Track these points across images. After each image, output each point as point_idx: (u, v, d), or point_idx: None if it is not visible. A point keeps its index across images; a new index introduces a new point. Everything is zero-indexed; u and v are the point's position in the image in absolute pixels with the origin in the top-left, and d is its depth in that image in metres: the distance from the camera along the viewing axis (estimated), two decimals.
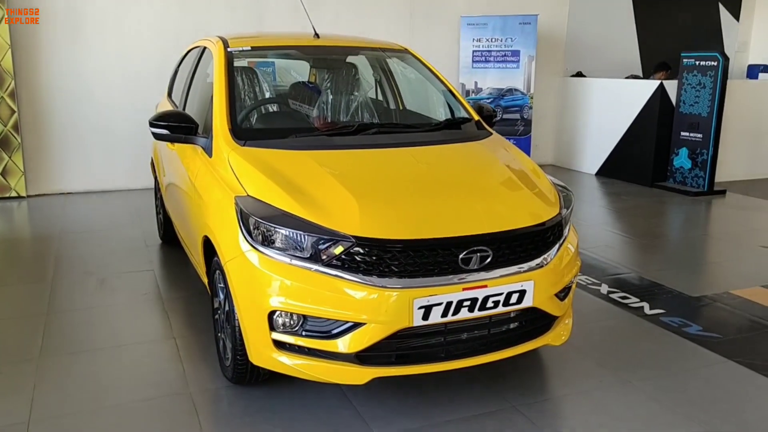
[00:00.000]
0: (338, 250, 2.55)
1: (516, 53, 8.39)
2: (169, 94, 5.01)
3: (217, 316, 3.23)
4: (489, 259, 2.66)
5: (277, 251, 2.64)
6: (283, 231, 2.63)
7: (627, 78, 8.94)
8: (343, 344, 2.58)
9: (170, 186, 4.32)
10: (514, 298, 2.71)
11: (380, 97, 4.50)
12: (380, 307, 2.53)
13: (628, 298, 4.30)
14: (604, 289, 4.46)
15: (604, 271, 4.84)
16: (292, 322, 2.64)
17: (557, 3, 9.26)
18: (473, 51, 8.42)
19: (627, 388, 3.14)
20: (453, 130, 3.63)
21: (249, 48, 3.83)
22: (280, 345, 2.69)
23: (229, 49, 3.74)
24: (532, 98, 8.54)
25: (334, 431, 2.76)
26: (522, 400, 3.00)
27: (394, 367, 2.65)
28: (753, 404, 3.06)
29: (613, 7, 9.75)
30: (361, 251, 2.54)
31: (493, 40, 8.42)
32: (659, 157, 8.12)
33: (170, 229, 5.11)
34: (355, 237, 2.53)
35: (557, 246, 2.91)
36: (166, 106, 4.84)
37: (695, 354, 3.53)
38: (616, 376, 3.25)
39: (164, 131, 3.43)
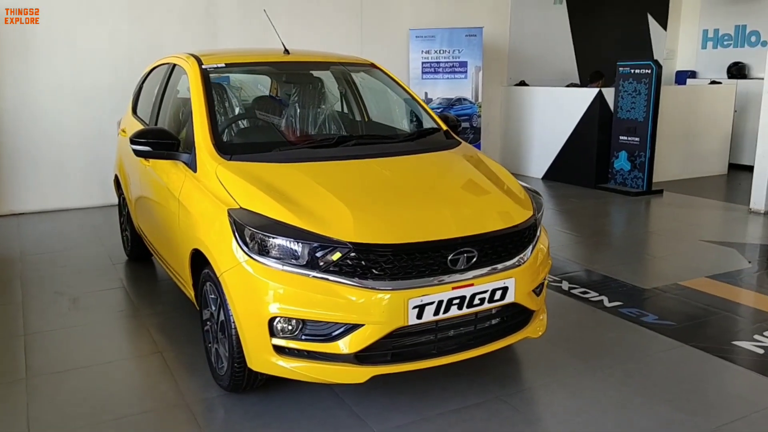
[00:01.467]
0: (336, 256, 2.70)
1: (464, 64, 8.70)
2: (134, 111, 5.03)
3: (207, 327, 3.32)
4: (474, 260, 2.86)
5: (274, 260, 2.77)
6: (280, 240, 2.76)
7: (567, 86, 9.39)
8: (342, 345, 2.72)
9: (143, 202, 4.36)
10: (497, 294, 2.91)
11: (347, 110, 4.66)
12: (377, 309, 2.69)
13: (587, 293, 4.58)
14: (565, 285, 4.74)
15: (562, 269, 5.13)
16: (291, 327, 2.77)
17: (498, 16, 9.65)
18: (422, 62, 8.69)
19: (598, 375, 3.39)
20: (425, 139, 3.82)
21: (223, 65, 3.93)
22: (279, 350, 2.81)
23: (203, 66, 3.84)
24: (480, 107, 8.86)
25: (335, 431, 2.89)
26: (504, 391, 3.21)
27: (391, 365, 2.81)
28: (711, 383, 3.36)
29: (550, 20, 10.22)
30: (358, 256, 2.70)
31: (441, 51, 8.71)
32: (601, 161, 8.57)
33: (139, 246, 5.13)
34: (352, 243, 2.68)
35: (532, 245, 3.14)
36: (134, 124, 4.86)
37: (654, 340, 3.82)
38: (586, 364, 3.50)
39: (146, 148, 3.50)
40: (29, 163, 7.14)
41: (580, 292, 4.59)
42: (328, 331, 2.75)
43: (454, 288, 2.79)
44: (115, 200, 7.33)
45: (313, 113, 4.16)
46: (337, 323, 2.73)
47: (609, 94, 8.43)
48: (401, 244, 2.72)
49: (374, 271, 2.71)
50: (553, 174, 9.13)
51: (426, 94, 8.88)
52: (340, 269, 2.71)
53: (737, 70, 10.62)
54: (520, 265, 3.02)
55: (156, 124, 4.30)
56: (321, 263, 2.72)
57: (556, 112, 8.97)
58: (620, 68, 8.31)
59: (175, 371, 3.45)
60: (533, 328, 3.18)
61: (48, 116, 7.12)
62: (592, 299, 4.46)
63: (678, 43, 11.75)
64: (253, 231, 2.81)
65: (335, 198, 2.93)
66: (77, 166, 7.34)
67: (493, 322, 3.03)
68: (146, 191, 4.18)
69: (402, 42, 8.87)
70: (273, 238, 2.77)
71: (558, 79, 10.32)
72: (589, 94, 8.54)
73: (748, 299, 4.50)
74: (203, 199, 3.19)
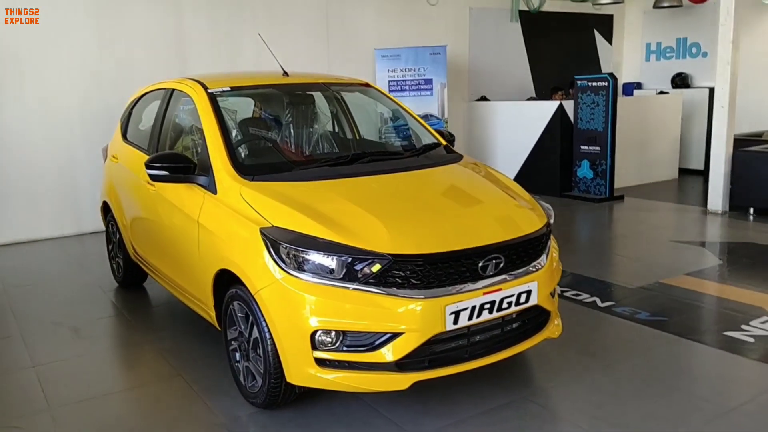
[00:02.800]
0: (376, 268, 2.80)
1: (429, 81, 8.93)
2: (124, 137, 5.01)
3: (234, 346, 3.36)
4: (502, 265, 3.01)
5: (313, 275, 2.86)
6: (318, 255, 2.85)
7: (528, 100, 9.75)
8: (384, 354, 2.83)
9: (145, 226, 4.36)
10: (522, 298, 3.08)
11: (343, 128, 4.78)
12: (417, 316, 2.81)
13: (579, 294, 4.81)
14: (558, 289, 4.94)
15: None
16: (331, 340, 2.86)
17: (458, 35, 9.96)
18: (389, 81, 8.88)
19: (609, 371, 3.58)
20: (429, 153, 3.98)
21: (228, 88, 4.00)
22: (320, 362, 2.89)
23: (209, 91, 3.90)
24: (446, 122, 9.10)
25: None
26: (528, 391, 3.37)
27: (429, 371, 2.92)
28: (713, 371, 3.61)
29: (506, 37, 10.58)
30: (397, 267, 2.81)
31: (407, 70, 8.93)
32: (564, 170, 8.93)
33: (132, 272, 5.10)
34: (391, 255, 2.80)
35: (547, 250, 3.32)
36: (126, 150, 4.85)
37: (652, 336, 4.06)
38: (596, 361, 3.70)
39: (163, 172, 3.54)
40: None
41: (573, 295, 4.81)
42: (369, 341, 2.85)
43: (485, 293, 2.94)
44: (91, 228, 7.34)
45: (320, 132, 4.28)
46: (377, 333, 2.83)
47: (569, 106, 8.80)
48: (438, 253, 2.86)
49: (412, 280, 2.83)
50: (519, 184, 9.40)
51: (392, 113, 9.04)
52: (379, 280, 2.82)
53: (681, 81, 11.22)
54: (540, 268, 3.19)
55: (157, 149, 4.31)
56: (360, 275, 2.82)
57: (519, 124, 9.29)
58: (578, 82, 8.70)
59: (201, 392, 3.47)
60: (552, 329, 3.35)
61: (16, 144, 6.95)
62: (585, 300, 4.68)
63: (623, 57, 12.33)
64: (290, 247, 2.89)
65: (365, 212, 3.04)
66: (47, 195, 7.19)
67: (517, 325, 3.18)
68: (152, 215, 4.19)
69: (368, 61, 9.05)
70: (310, 253, 2.86)
71: (515, 93, 10.69)
72: (551, 106, 8.90)
73: (728, 293, 4.80)
74: (229, 220, 3.25)
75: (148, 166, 3.56)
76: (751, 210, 7.48)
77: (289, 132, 4.13)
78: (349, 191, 3.27)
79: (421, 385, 3.23)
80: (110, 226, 5.31)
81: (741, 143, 7.82)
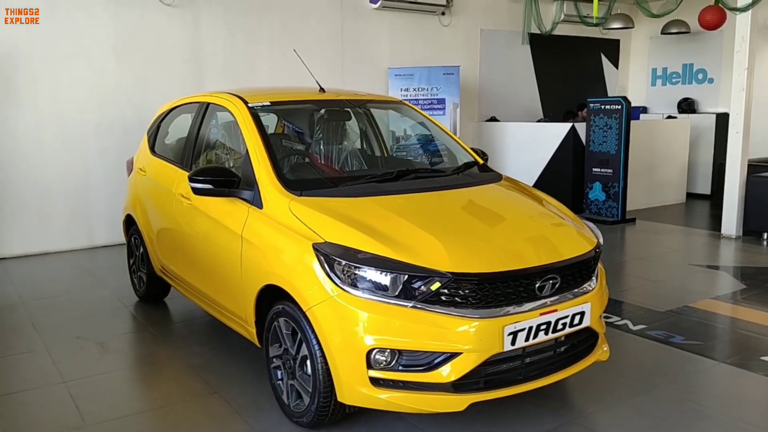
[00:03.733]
0: (435, 286, 2.77)
1: (441, 101, 8.96)
2: (152, 150, 4.97)
3: (277, 364, 3.30)
4: (557, 286, 2.99)
5: (370, 292, 2.81)
6: (375, 272, 2.81)
7: (538, 121, 9.79)
8: (441, 374, 2.78)
9: (178, 240, 4.29)
10: (576, 319, 3.04)
11: (382, 144, 4.78)
12: (475, 336, 2.76)
13: (609, 317, 4.77)
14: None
15: None
16: (387, 359, 2.81)
17: (469, 56, 10.02)
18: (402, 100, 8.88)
19: (653, 395, 3.55)
20: (470, 172, 3.96)
21: (268, 103, 3.97)
22: (374, 381, 2.83)
23: (250, 105, 3.87)
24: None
25: None
26: (575, 414, 3.32)
27: (484, 392, 2.87)
28: (757, 396, 3.57)
29: (515, 59, 10.67)
30: (457, 285, 2.78)
31: (420, 89, 8.95)
32: (576, 191, 8.94)
33: (156, 287, 5.03)
34: (452, 273, 2.76)
35: (596, 272, 3.30)
36: (156, 163, 4.80)
37: (690, 360, 4.03)
38: (639, 385, 3.66)
39: (207, 186, 3.49)
40: (12, 206, 6.87)
41: (603, 317, 4.77)
42: (426, 361, 2.80)
43: (541, 314, 2.91)
44: (103, 241, 7.26)
45: (359, 148, 4.27)
46: (435, 352, 2.78)
47: (581, 128, 8.84)
48: (497, 273, 2.82)
49: (471, 299, 2.79)
50: None
51: (405, 130, 9.06)
52: (437, 299, 2.78)
53: (687, 106, 11.33)
54: (592, 290, 3.17)
55: (191, 163, 4.27)
56: (417, 293, 2.78)
57: (530, 146, 9.32)
58: (591, 104, 8.75)
59: (241, 411, 3.40)
60: (602, 352, 3.31)
61: (31, 157, 6.89)
62: (616, 323, 4.65)
63: (628, 81, 12.44)
64: (347, 264, 2.85)
65: (420, 229, 3.01)
66: (61, 207, 7.11)
67: (568, 347, 3.15)
68: (186, 229, 4.13)
69: (381, 80, 9.07)
70: (368, 270, 2.82)
71: (524, 114, 10.75)
72: (563, 128, 8.94)
73: (758, 318, 4.78)
74: (278, 235, 3.20)
75: (192, 180, 3.52)
76: (765, 235, 7.50)
77: (329, 148, 4.11)
78: (400, 208, 3.24)
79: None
80: (133, 239, 5.24)
81: (752, 169, 7.88)
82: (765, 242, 7.40)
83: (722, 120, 10.68)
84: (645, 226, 8.43)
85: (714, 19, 9.11)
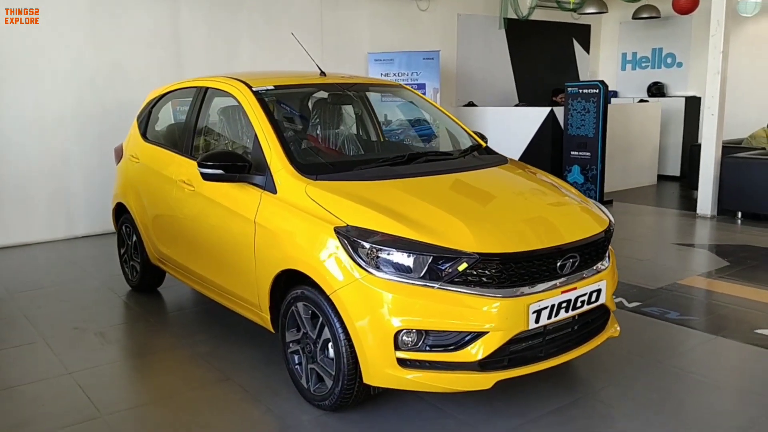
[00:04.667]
0: (462, 266, 2.79)
1: (422, 86, 8.97)
2: (144, 136, 4.87)
3: (295, 348, 3.29)
4: (577, 264, 3.05)
5: (396, 274, 2.83)
6: (401, 254, 2.82)
7: (516, 106, 9.89)
8: (469, 353, 2.81)
9: (179, 227, 4.22)
10: (593, 296, 3.11)
11: (375, 128, 4.78)
12: (502, 315, 2.81)
13: None
14: None
15: None
16: (415, 339, 2.83)
17: (446, 41, 10.04)
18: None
19: (659, 368, 3.65)
20: (477, 154, 3.99)
21: (272, 87, 3.93)
22: (401, 362, 2.85)
23: (255, 89, 3.83)
24: (438, 126, 9.14)
25: None
26: (590, 389, 3.41)
27: (509, 370, 2.92)
28: (757, 368, 3.70)
29: (492, 45, 10.75)
30: (483, 265, 2.81)
31: (400, 74, 8.95)
32: (555, 174, 9.02)
33: (150, 276, 4.96)
34: (478, 254, 2.79)
35: (608, 251, 3.37)
36: (150, 150, 4.71)
37: (688, 334, 4.16)
38: (644, 360, 3.76)
39: (217, 171, 3.44)
40: None
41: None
42: (453, 341, 2.83)
43: (563, 292, 2.96)
44: (83, 231, 7.10)
45: (365, 131, 4.26)
46: (462, 332, 2.82)
47: (559, 112, 8.97)
48: (522, 252, 2.87)
49: (497, 278, 2.83)
50: None
51: (386, 116, 9.06)
52: (463, 279, 2.81)
53: (657, 90, 11.57)
54: (606, 268, 3.24)
55: (191, 149, 4.21)
56: (443, 274, 2.81)
57: (509, 130, 9.40)
58: (569, 89, 8.86)
59: (259, 396, 3.39)
60: (613, 328, 3.40)
61: (9, 146, 6.68)
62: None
63: (599, 65, 12.64)
64: (371, 246, 2.85)
65: (442, 211, 3.03)
66: (40, 197, 6.92)
67: (584, 323, 3.21)
68: (188, 216, 4.06)
69: (361, 65, 9.04)
70: (394, 252, 2.83)
71: (500, 99, 10.85)
72: (542, 112, 9.05)
73: (745, 293, 4.95)
74: (296, 219, 3.18)
75: (201, 165, 3.47)
76: (739, 214, 7.75)
77: (334, 132, 4.09)
78: (417, 190, 3.25)
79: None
80: (124, 228, 5.14)
81: (724, 150, 8.10)
82: (739, 221, 7.64)
83: (692, 103, 10.98)
84: (623, 207, 8.62)
85: (688, 3, 9.30)
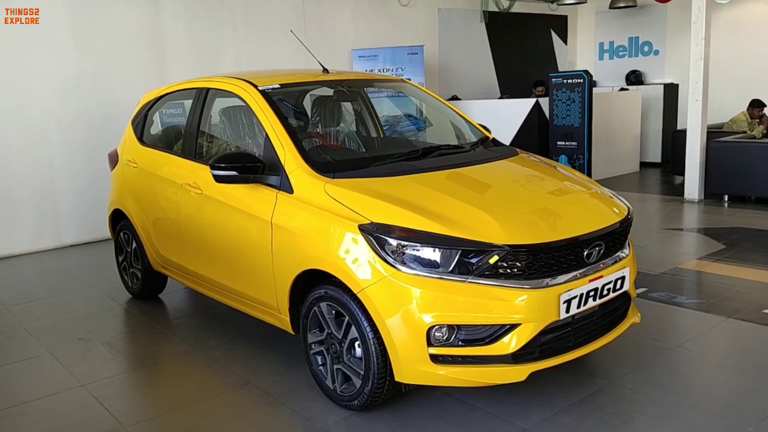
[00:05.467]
0: (493, 259, 2.77)
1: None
2: (141, 140, 4.76)
3: (319, 350, 3.25)
4: (602, 252, 3.05)
5: (425, 269, 2.80)
6: (430, 249, 2.80)
7: (501, 98, 9.92)
8: (501, 346, 2.80)
9: (186, 232, 4.13)
10: (618, 284, 3.12)
11: (370, 124, 4.74)
12: (534, 306, 2.80)
13: None
14: None
15: None
16: (446, 335, 2.81)
17: (428, 36, 10.03)
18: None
19: (678, 352, 3.69)
20: (487, 147, 3.97)
21: (278, 86, 3.87)
22: (433, 358, 2.83)
23: (261, 89, 3.76)
24: (425, 122, 9.13)
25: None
26: (613, 376, 3.42)
27: (541, 361, 2.91)
28: None
29: (472, 38, 10.76)
30: (513, 258, 2.79)
31: (385, 70, 8.91)
32: None
33: (152, 283, 4.86)
34: (509, 245, 2.78)
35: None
36: (148, 154, 4.61)
37: (699, 317, 4.20)
38: (662, 345, 3.79)
39: (231, 173, 3.38)
40: None
41: None
42: (485, 334, 2.81)
43: (590, 281, 2.97)
44: (72, 240, 6.94)
45: (366, 128, 4.22)
46: (494, 325, 2.80)
47: (545, 103, 9.02)
48: (551, 242, 2.86)
49: (528, 270, 2.82)
50: None
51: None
52: (493, 272, 2.80)
53: (635, 78, 11.70)
54: (627, 255, 3.26)
55: (195, 152, 4.13)
56: (473, 268, 2.79)
57: (495, 122, 9.32)
58: (553, 79, 8.92)
59: (283, 399, 3.34)
60: (635, 315, 3.41)
61: None
62: None
63: (577, 56, 12.75)
64: (400, 243, 2.82)
65: (466, 204, 3.01)
66: (26, 206, 6.74)
67: (609, 311, 3.22)
68: (196, 219, 3.99)
69: (345, 62, 8.98)
70: (422, 248, 2.80)
71: (482, 92, 10.88)
72: (527, 104, 9.09)
73: (746, 274, 5.03)
74: (316, 219, 3.13)
75: (214, 167, 3.40)
76: (726, 197, 7.88)
77: (342, 129, 4.05)
78: (438, 184, 3.23)
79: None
80: (122, 235, 5.03)
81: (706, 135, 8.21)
82: (726, 204, 7.77)
83: (670, 90, 11.12)
84: None
85: None
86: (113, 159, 5.12)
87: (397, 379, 2.91)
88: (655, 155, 11.13)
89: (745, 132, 8.74)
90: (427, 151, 3.63)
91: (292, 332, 3.46)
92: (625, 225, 3.23)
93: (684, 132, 8.76)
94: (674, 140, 9.39)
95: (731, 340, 3.85)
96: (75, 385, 3.61)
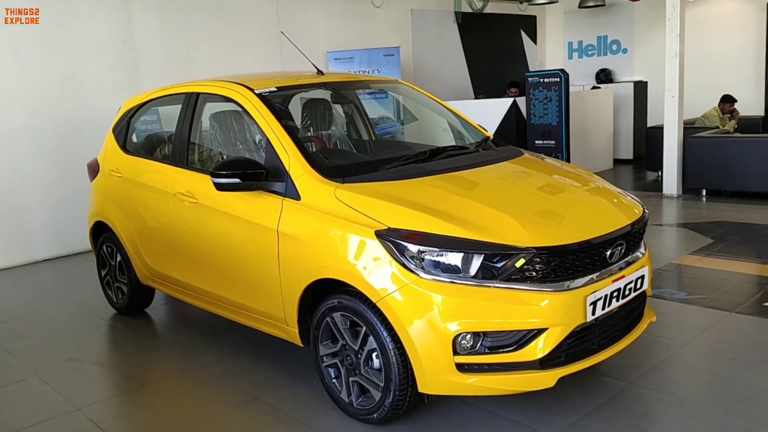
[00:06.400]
0: (519, 263, 2.68)
1: None
2: (124, 149, 4.55)
3: (332, 362, 3.11)
4: (622, 252, 2.99)
5: (448, 275, 2.70)
6: (454, 254, 2.69)
7: (477, 98, 9.90)
8: (530, 352, 2.71)
9: (180, 243, 3.95)
10: (638, 283, 3.07)
11: (361, 126, 4.63)
12: (561, 309, 2.72)
13: None
14: None
15: None
16: (472, 342, 2.71)
17: (402, 37, 9.95)
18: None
19: (690, 349, 3.66)
20: (492, 147, 3.89)
21: (275, 89, 3.72)
22: (459, 367, 2.73)
23: (258, 92, 3.62)
24: (403, 124, 9.05)
25: None
26: (629, 377, 3.36)
27: (568, 366, 2.82)
28: None
29: (445, 39, 10.73)
30: (539, 260, 2.71)
31: (361, 71, 8.80)
32: None
33: (139, 297, 4.66)
34: (535, 248, 2.69)
35: None
36: (133, 163, 4.40)
37: (703, 313, 4.19)
38: (673, 343, 3.75)
39: (234, 180, 3.22)
40: None
41: None
42: (513, 340, 2.72)
43: (614, 281, 2.90)
44: (44, 255, 6.64)
45: (364, 130, 4.11)
46: (521, 330, 2.71)
47: (522, 102, 9.02)
48: (576, 243, 2.78)
49: (554, 273, 2.74)
50: None
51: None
52: (519, 275, 2.71)
53: (605, 76, 11.82)
54: (644, 254, 3.21)
55: (187, 159, 3.95)
56: (499, 272, 2.70)
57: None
58: (529, 78, 8.92)
59: (294, 414, 3.19)
60: (651, 314, 3.36)
61: None
62: None
63: (546, 55, 12.83)
64: (420, 248, 2.71)
65: (485, 206, 2.92)
66: None
67: (628, 312, 3.16)
68: (192, 230, 3.81)
69: (320, 64, 8.81)
70: (445, 253, 2.70)
71: (456, 93, 10.83)
72: (505, 103, 9.08)
73: (739, 267, 5.06)
74: (328, 226, 3.00)
75: (215, 175, 3.24)
76: (704, 192, 7.98)
77: (341, 131, 3.92)
78: (452, 186, 3.13)
79: None
80: (106, 248, 4.80)
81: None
82: (704, 198, 7.87)
83: (639, 88, 11.26)
84: None
85: None
86: (93, 169, 4.89)
87: (420, 390, 2.80)
88: (627, 152, 11.25)
89: (717, 127, 8.88)
90: (435, 152, 3.53)
91: (300, 345, 3.32)
92: (642, 224, 3.18)
93: (658, 128, 8.88)
94: (648, 137, 9.49)
95: (740, 335, 3.84)
96: (71, 410, 3.40)
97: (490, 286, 2.68)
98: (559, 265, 2.75)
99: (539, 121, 8.89)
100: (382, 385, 2.89)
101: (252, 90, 3.64)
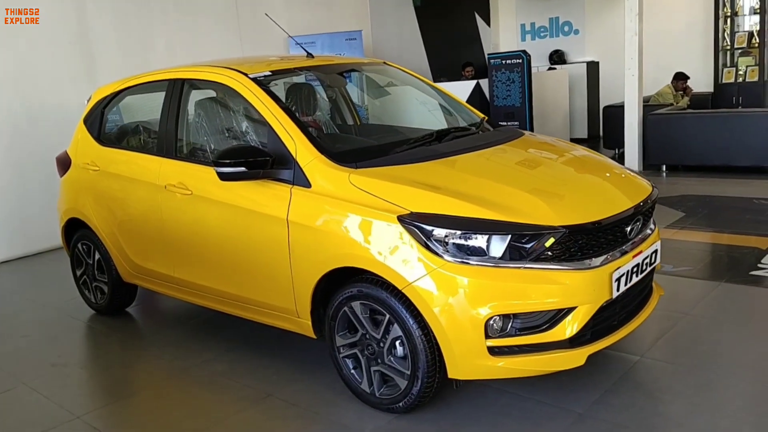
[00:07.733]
0: (549, 242, 2.65)
1: None
2: (100, 140, 4.31)
3: (350, 353, 3.03)
4: (640, 227, 3.01)
5: (477, 258, 2.65)
6: (482, 236, 2.64)
7: (439, 82, 9.86)
8: (561, 331, 2.69)
9: (173, 238, 3.77)
10: (653, 258, 3.09)
11: (345, 111, 4.55)
12: (590, 287, 2.71)
13: None
14: None
15: None
16: (502, 325, 2.67)
17: (361, 21, 9.82)
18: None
19: (689, 320, 3.73)
20: (494, 128, 3.86)
21: (269, 72, 3.58)
22: (491, 350, 2.69)
23: (252, 76, 3.47)
24: (367, 109, 8.93)
25: (536, 423, 2.84)
26: (640, 350, 3.40)
27: (594, 343, 2.82)
28: None
29: (403, 22, 10.65)
30: (568, 239, 2.69)
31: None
32: None
33: (121, 297, 4.44)
34: (564, 227, 2.67)
35: None
36: (112, 155, 4.18)
37: (693, 285, 4.29)
38: (673, 315, 3.81)
39: (240, 169, 3.07)
40: None
41: None
42: (542, 321, 2.69)
43: (634, 256, 2.91)
44: (3, 256, 6.25)
45: (349, 115, 4.02)
46: (551, 310, 2.69)
47: (485, 84, 9.04)
48: (601, 220, 2.77)
49: (581, 250, 2.73)
50: None
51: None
52: (548, 255, 2.68)
53: (558, 57, 11.98)
54: (654, 229, 3.24)
55: (176, 150, 3.76)
56: (528, 253, 2.66)
57: (435, 106, 9.35)
58: (491, 60, 8.95)
59: (313, 408, 3.10)
60: (660, 288, 3.40)
61: None
62: None
63: (500, 37, 12.90)
64: (448, 232, 2.65)
65: (507, 186, 2.88)
66: None
67: (642, 287, 3.18)
68: (187, 224, 3.64)
69: (282, 50, 8.63)
70: (474, 236, 2.65)
71: None
72: (468, 86, 9.09)
73: (717, 238, 5.21)
74: (344, 213, 2.90)
75: (219, 164, 3.09)
76: (664, 167, 8.19)
77: (338, 115, 3.81)
78: (469, 167, 3.08)
79: None
80: (81, 246, 4.55)
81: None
82: (664, 174, 8.08)
83: (591, 68, 11.45)
84: None
85: None
86: (63, 163, 4.61)
87: (450, 375, 2.75)
88: (582, 131, 11.44)
89: (671, 104, 9.12)
90: (442, 134, 3.46)
91: (314, 336, 3.22)
92: (654, 199, 3.20)
93: (615, 107, 9.07)
94: (606, 115, 9.67)
95: (736, 303, 3.94)
96: (69, 418, 3.21)
97: (519, 267, 2.65)
98: (585, 243, 2.74)
99: (502, 102, 8.94)
100: (408, 372, 2.82)
101: (246, 74, 3.48)
